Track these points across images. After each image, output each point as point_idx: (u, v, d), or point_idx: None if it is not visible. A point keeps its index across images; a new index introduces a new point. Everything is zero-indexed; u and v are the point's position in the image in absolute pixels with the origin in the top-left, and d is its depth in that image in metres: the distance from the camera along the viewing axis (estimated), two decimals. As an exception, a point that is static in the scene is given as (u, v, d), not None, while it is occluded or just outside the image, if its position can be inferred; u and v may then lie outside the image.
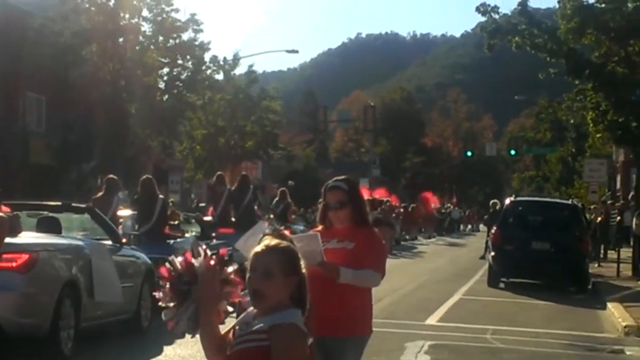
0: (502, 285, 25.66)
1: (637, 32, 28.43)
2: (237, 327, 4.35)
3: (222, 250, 4.43)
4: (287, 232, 4.55)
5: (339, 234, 6.85)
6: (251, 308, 4.33)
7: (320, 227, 7.10)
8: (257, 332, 4.18)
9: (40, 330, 11.59)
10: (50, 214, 14.20)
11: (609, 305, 20.53)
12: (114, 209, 18.23)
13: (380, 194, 49.79)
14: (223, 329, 4.40)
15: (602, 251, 36.48)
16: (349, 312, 6.65)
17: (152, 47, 46.00)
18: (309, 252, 5.94)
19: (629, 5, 28.90)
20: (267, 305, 4.22)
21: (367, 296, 6.88)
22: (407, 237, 54.45)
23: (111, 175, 20.00)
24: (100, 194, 19.21)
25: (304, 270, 4.31)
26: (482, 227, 66.13)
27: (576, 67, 29.43)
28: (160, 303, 4.35)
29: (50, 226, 13.37)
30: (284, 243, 4.34)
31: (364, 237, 6.83)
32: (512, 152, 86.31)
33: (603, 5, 29.19)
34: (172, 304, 4.32)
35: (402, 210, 55.81)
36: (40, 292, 11.65)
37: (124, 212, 19.59)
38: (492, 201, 41.92)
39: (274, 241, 4.33)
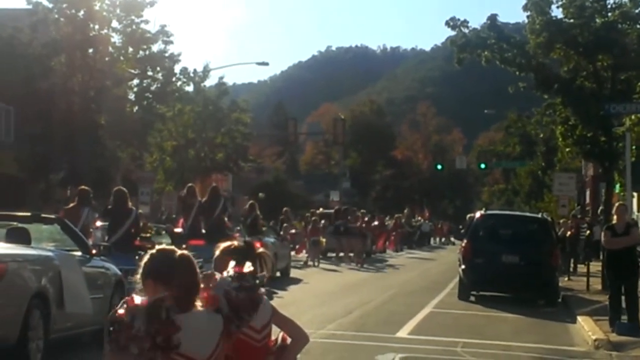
0: (472, 298, 25.67)
1: (605, 48, 28.60)
2: None
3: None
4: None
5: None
6: None
7: None
8: None
9: (9, 341, 11.45)
10: (20, 225, 14.09)
11: (579, 318, 20.59)
12: (83, 220, 18.16)
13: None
14: None
15: (571, 265, 36.57)
16: None
17: (121, 58, 45.75)
18: None
19: (597, 20, 29.09)
20: None
21: None
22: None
23: (83, 187, 19.87)
24: (71, 204, 19.10)
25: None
26: (456, 240, 66.02)
27: (545, 81, 29.60)
28: None
29: (19, 237, 13.24)
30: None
31: None
32: (482, 165, 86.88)
33: (571, 21, 29.36)
34: None
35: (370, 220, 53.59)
36: (8, 303, 11.52)
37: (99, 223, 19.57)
38: (469, 215, 41.95)
39: None
